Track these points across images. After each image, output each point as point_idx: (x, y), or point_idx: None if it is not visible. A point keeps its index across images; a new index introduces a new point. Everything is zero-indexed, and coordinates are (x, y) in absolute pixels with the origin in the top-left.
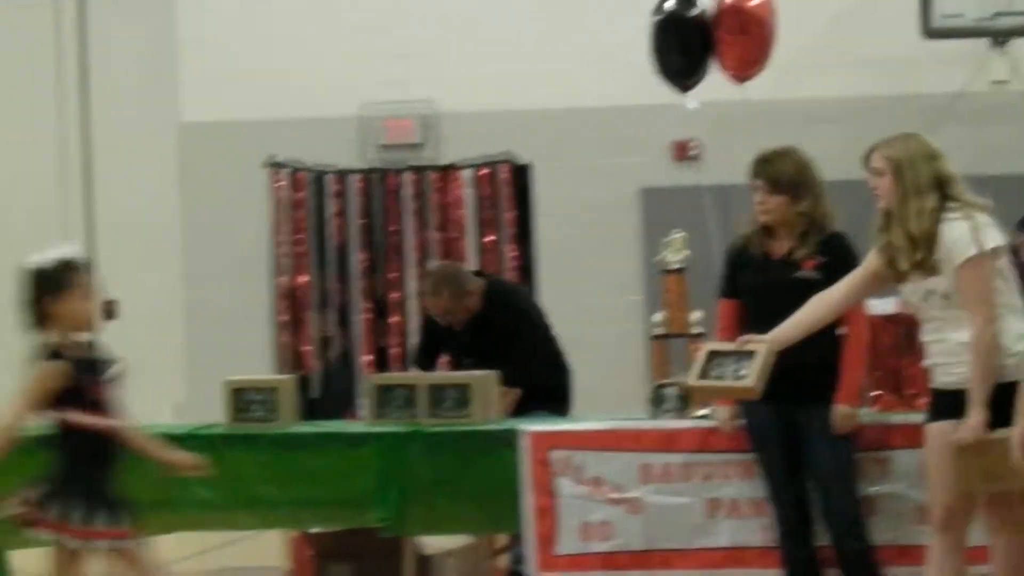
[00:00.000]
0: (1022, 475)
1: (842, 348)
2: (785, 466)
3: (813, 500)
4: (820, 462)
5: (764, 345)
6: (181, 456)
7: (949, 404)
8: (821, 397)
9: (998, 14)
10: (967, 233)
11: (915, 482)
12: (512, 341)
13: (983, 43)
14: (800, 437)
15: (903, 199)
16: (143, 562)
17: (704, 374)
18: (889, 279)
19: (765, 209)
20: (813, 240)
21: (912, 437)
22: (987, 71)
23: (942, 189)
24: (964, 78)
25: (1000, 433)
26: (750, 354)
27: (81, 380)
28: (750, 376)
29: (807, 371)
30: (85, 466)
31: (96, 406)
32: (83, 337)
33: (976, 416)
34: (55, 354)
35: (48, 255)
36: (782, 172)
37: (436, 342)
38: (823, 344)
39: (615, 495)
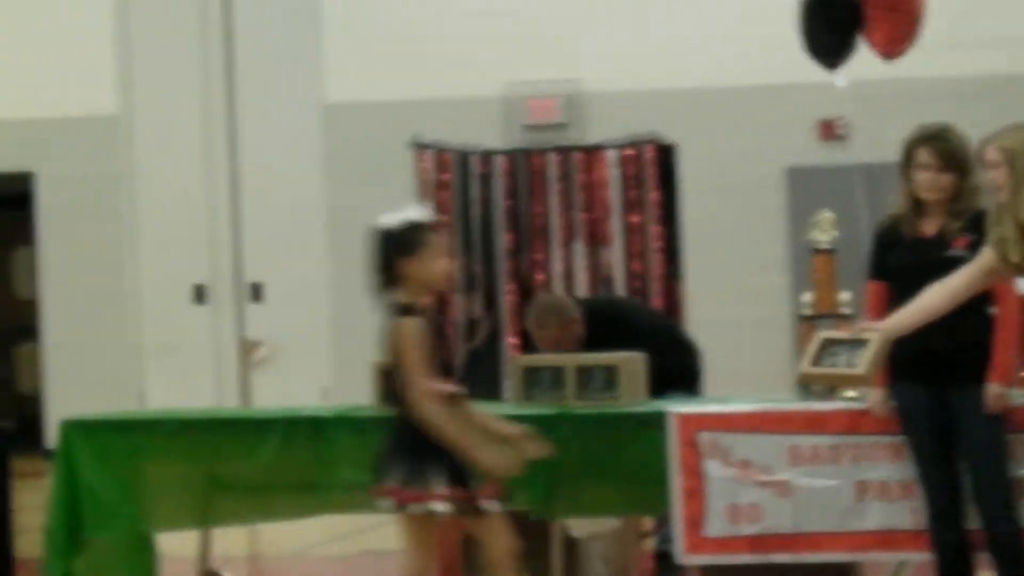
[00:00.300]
0: None
1: (994, 328)
2: (936, 448)
3: (963, 482)
4: (972, 442)
5: (878, 333)
6: (518, 430)
7: None
8: (974, 377)
9: None
10: None
11: None
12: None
13: None
14: (952, 418)
15: (1016, 189)
16: (495, 526)
17: (817, 361)
18: (1007, 272)
19: (936, 187)
20: (963, 218)
21: None
22: None
23: None
24: None
25: None
26: (864, 342)
27: (433, 342)
28: (862, 364)
29: (960, 352)
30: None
31: (444, 370)
32: (429, 299)
33: None
34: (408, 311)
35: (397, 215)
36: (955, 149)
37: None
38: (975, 324)
39: (763, 477)
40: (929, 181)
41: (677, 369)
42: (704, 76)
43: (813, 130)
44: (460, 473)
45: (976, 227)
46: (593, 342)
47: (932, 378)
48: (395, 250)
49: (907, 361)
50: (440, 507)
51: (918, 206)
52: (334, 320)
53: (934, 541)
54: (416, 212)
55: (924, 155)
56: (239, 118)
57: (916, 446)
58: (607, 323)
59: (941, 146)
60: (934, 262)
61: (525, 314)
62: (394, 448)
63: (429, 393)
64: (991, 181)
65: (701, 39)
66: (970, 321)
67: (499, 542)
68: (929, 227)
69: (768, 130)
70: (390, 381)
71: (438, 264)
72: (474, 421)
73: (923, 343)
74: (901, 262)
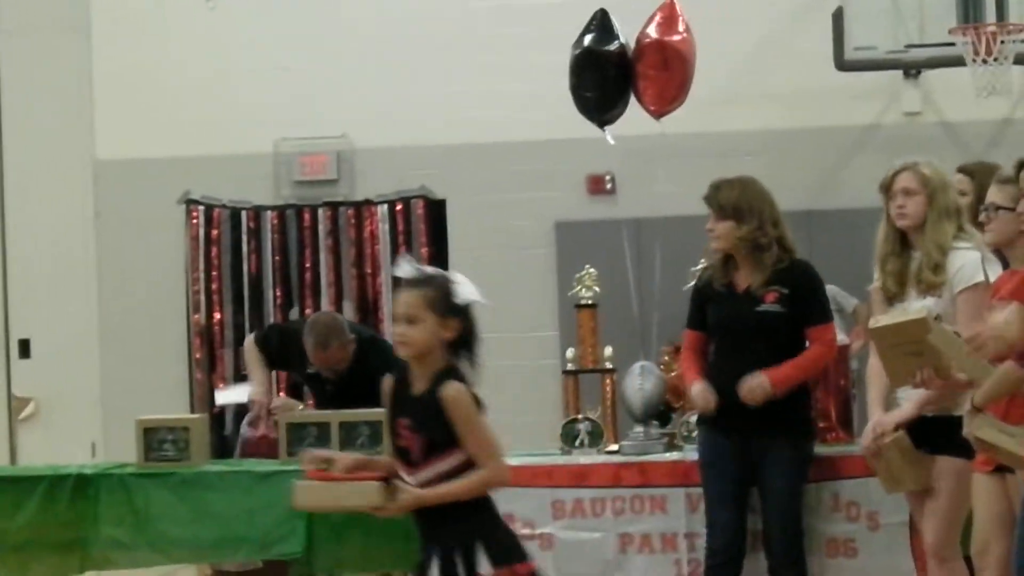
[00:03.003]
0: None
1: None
2: (732, 496)
3: (750, 531)
4: (770, 493)
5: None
6: None
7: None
8: (776, 430)
9: (910, 46)
10: (976, 261)
11: (826, 515)
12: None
13: (896, 75)
14: (753, 466)
15: (938, 219)
16: None
17: None
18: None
19: (713, 236)
20: (768, 272)
21: (823, 470)
22: (900, 103)
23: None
24: (878, 110)
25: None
26: None
27: None
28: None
29: (765, 404)
30: None
31: None
32: None
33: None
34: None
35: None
36: (726, 198)
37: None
38: None
39: (527, 531)
40: (708, 230)
41: None
42: (474, 131)
43: (581, 185)
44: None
45: (783, 280)
46: (355, 373)
47: (736, 429)
48: None
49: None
50: None
51: (728, 259)
52: (103, 377)
53: None
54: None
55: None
56: (7, 174)
57: (711, 492)
58: (374, 357)
59: (714, 196)
60: (746, 317)
61: (304, 334)
62: None
63: None
64: (898, 207)
65: (472, 95)
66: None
67: None
68: (741, 281)
69: (537, 185)
70: None
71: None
72: None
73: (729, 395)
74: (716, 316)
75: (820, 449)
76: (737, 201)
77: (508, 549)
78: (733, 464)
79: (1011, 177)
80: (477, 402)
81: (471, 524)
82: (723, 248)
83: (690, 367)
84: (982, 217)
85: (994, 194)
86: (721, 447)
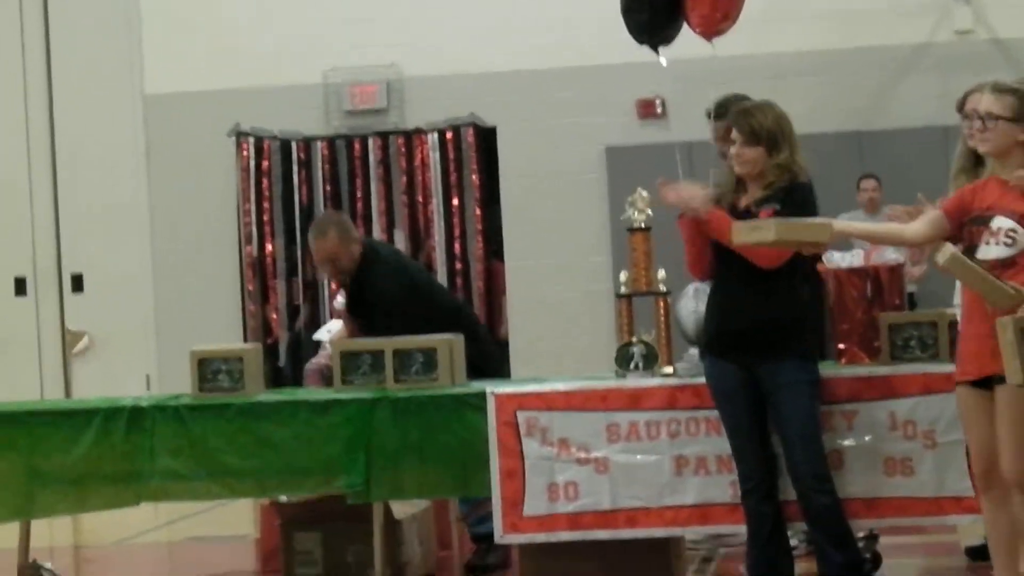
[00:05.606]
0: None
1: (802, 304)
2: (749, 422)
3: (778, 455)
4: (783, 417)
5: None
6: None
7: None
8: (783, 352)
9: None
10: None
11: (882, 435)
12: (387, 301)
13: None
14: (763, 392)
15: None
16: None
17: None
18: None
19: (741, 160)
20: (772, 189)
21: (879, 389)
22: (952, 21)
23: None
24: (929, 28)
25: None
26: None
27: None
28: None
29: (769, 326)
30: None
31: None
32: None
33: None
34: None
35: None
36: (759, 124)
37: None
38: (784, 299)
39: (582, 455)
40: (735, 155)
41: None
42: (522, 58)
43: (631, 110)
44: None
45: (783, 199)
46: (364, 283)
47: (740, 355)
48: None
49: (714, 338)
50: None
51: (741, 181)
52: (156, 309)
53: (748, 514)
54: None
55: (733, 131)
56: (58, 110)
57: (729, 421)
58: (382, 267)
59: (744, 120)
60: None
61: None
62: None
63: None
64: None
65: (520, 21)
66: (779, 295)
67: None
68: (744, 200)
69: (587, 110)
70: None
71: None
72: None
73: (729, 322)
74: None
75: (873, 369)
76: (771, 128)
77: None
78: (744, 391)
79: (1010, 87)
80: None
81: None
82: (748, 173)
83: None
84: (977, 126)
85: (991, 103)
86: (731, 376)
